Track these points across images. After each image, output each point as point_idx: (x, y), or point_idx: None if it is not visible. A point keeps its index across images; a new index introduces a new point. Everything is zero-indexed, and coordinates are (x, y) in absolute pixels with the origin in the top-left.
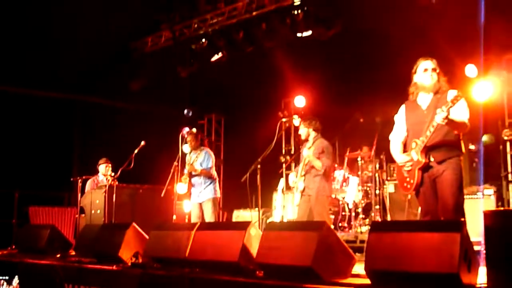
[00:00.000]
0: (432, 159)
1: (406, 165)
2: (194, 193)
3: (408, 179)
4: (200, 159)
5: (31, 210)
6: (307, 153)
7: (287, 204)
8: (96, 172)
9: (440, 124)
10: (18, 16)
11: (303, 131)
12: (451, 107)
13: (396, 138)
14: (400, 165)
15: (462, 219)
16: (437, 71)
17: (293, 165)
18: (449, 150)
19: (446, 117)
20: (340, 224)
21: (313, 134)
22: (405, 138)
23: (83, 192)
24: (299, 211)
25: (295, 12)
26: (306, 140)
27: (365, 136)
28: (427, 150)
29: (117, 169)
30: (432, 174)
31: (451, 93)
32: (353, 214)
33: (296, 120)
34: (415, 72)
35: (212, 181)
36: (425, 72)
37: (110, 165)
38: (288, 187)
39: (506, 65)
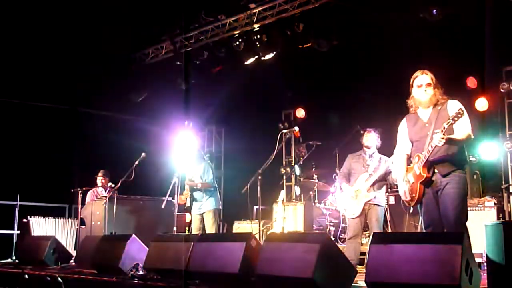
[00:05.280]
0: (436, 171)
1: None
2: (196, 205)
3: (410, 193)
4: (200, 172)
5: (32, 221)
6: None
7: (287, 216)
8: (96, 183)
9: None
10: (21, 30)
11: (375, 141)
12: (452, 124)
13: (400, 152)
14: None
15: (464, 232)
16: (432, 85)
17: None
18: (453, 162)
19: (443, 138)
20: (341, 236)
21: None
22: (410, 151)
23: (83, 203)
24: (357, 222)
25: (296, 24)
26: (368, 148)
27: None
28: (430, 164)
29: (118, 181)
30: (436, 186)
31: (451, 104)
32: None
33: (371, 132)
34: (412, 86)
35: (213, 193)
36: (419, 88)
37: (107, 178)
38: (288, 199)
39: (506, 77)
